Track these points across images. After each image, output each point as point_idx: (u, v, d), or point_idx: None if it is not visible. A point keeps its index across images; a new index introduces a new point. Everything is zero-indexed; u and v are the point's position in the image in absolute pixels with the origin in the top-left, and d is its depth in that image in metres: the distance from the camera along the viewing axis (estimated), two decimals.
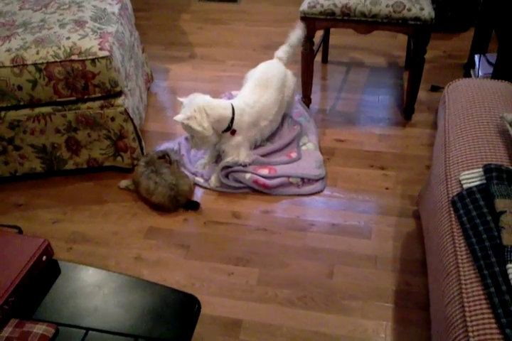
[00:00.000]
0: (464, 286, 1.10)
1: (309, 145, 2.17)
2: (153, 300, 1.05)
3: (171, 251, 1.82)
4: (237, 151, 2.02)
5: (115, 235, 1.89)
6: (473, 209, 1.22)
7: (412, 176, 2.07)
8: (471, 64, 2.26)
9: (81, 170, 2.15)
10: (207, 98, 1.96)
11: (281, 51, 2.24)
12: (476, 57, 2.19)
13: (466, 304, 1.07)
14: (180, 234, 1.88)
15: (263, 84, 2.10)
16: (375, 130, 2.30)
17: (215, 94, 2.58)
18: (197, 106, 1.88)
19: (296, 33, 2.20)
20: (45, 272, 1.10)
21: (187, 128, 1.91)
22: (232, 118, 1.96)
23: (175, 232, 1.89)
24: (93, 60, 1.86)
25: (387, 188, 2.02)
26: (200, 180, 2.08)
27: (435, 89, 2.50)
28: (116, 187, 2.09)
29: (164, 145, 2.25)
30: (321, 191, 2.01)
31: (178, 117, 1.88)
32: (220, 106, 1.95)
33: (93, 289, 1.07)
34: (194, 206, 1.97)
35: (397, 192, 2.00)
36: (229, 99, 2.51)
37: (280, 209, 1.96)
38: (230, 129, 1.97)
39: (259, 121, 2.06)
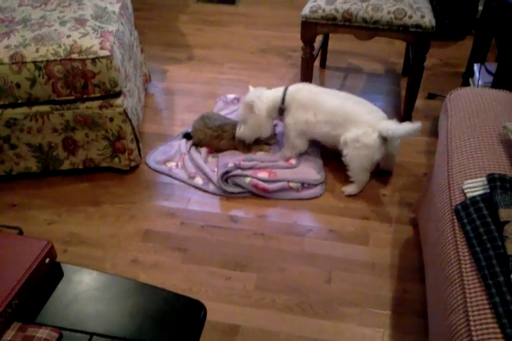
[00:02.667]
0: (468, 295, 1.10)
1: (309, 149, 2.17)
2: (158, 305, 1.03)
3: (168, 254, 1.80)
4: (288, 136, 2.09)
5: (111, 237, 1.87)
6: (477, 218, 1.22)
7: (409, 183, 2.07)
8: (469, 73, 2.27)
9: (77, 171, 2.13)
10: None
11: (389, 123, 1.90)
12: (476, 66, 2.20)
13: (470, 313, 1.07)
14: (177, 237, 1.87)
15: (348, 98, 2.02)
16: None
17: (212, 97, 2.58)
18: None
19: (410, 127, 1.82)
20: (47, 275, 1.08)
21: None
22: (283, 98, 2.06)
23: (172, 235, 1.88)
24: (94, 60, 1.84)
25: (384, 195, 2.03)
26: (198, 182, 2.07)
27: (432, 96, 2.51)
28: (113, 188, 2.07)
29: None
30: (320, 196, 2.01)
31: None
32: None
33: (97, 293, 1.06)
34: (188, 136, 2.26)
35: (395, 199, 2.01)
36: (224, 102, 2.50)
37: (277, 214, 1.95)
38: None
39: (309, 110, 2.01)
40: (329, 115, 1.98)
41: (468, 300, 1.09)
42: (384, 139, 1.88)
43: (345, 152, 1.96)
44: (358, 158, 1.93)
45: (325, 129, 2.00)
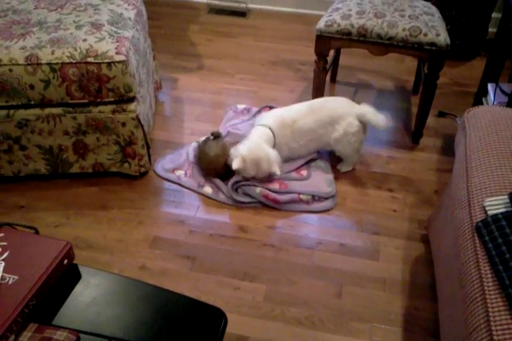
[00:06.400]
0: (491, 314, 1.08)
1: (319, 162, 2.17)
2: (178, 312, 1.01)
3: (176, 262, 1.78)
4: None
5: (119, 243, 1.84)
6: (499, 236, 1.21)
7: (420, 200, 2.06)
8: (482, 92, 2.28)
9: (86, 175, 2.11)
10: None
11: (362, 108, 2.10)
12: (490, 85, 2.21)
13: (494, 332, 1.05)
14: (186, 245, 1.84)
15: (314, 108, 2.11)
16: (383, 152, 2.30)
17: (222, 107, 2.57)
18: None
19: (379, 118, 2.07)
20: (65, 276, 1.05)
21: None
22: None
23: (180, 243, 1.85)
24: (109, 64, 1.83)
25: (395, 211, 2.02)
26: (208, 191, 2.05)
27: (442, 115, 2.52)
28: (122, 193, 2.05)
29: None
30: (331, 209, 2.00)
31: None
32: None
33: (115, 296, 1.03)
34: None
35: (405, 215, 2.00)
36: (234, 112, 2.50)
37: (288, 226, 1.93)
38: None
39: (291, 142, 2.11)
40: (310, 134, 2.10)
41: (491, 318, 1.08)
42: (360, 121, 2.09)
43: (339, 147, 2.11)
44: (351, 145, 2.10)
45: (312, 145, 2.14)
